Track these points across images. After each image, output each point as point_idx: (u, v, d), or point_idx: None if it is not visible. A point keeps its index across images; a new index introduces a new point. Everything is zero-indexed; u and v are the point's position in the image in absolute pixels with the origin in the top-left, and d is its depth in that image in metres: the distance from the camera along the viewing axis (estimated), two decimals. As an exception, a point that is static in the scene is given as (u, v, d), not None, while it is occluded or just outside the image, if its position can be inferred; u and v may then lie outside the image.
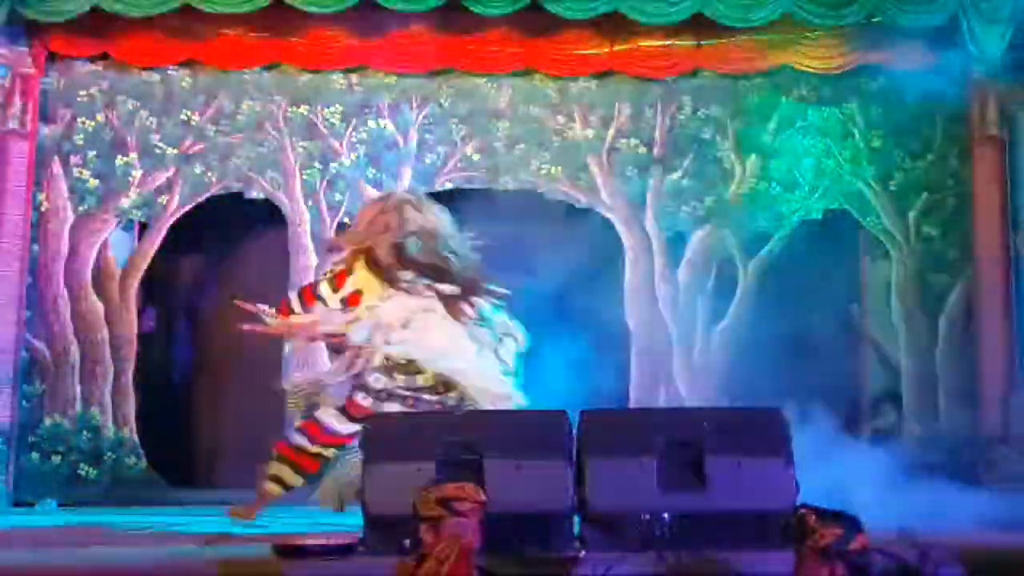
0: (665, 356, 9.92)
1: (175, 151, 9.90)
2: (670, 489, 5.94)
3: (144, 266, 9.86)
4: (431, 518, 4.22)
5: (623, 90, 10.12)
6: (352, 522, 6.40)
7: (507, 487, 5.69)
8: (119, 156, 9.85)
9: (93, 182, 9.83)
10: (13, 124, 9.45)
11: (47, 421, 9.53)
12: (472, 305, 6.89)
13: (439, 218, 7.07)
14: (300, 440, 6.87)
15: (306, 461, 6.88)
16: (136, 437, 9.66)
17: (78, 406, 9.57)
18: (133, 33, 9.42)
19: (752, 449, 6.01)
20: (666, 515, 5.91)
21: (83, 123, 9.87)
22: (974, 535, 6.19)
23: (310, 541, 5.88)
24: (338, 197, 10.01)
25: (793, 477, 5.99)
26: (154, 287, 9.89)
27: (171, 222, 9.89)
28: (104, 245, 9.82)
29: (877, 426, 9.72)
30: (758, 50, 9.85)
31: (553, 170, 10.10)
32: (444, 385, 6.81)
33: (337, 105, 10.03)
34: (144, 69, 9.89)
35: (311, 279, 9.85)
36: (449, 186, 10.00)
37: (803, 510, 3.87)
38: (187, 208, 9.91)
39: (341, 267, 7.03)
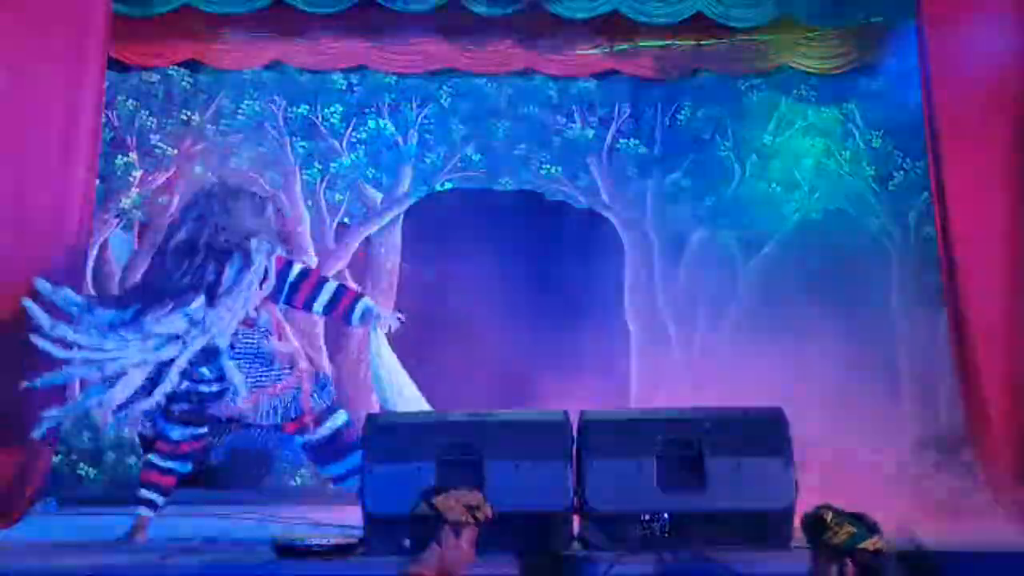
0: (665, 356, 9.91)
1: (175, 151, 9.90)
2: (670, 489, 5.95)
3: (144, 266, 9.83)
4: (458, 523, 4.26)
5: (623, 90, 10.11)
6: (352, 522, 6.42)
7: (507, 487, 5.70)
8: (119, 156, 9.84)
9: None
10: (14, 124, 9.41)
11: (47, 421, 9.50)
12: None
13: None
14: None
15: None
16: (136, 437, 9.65)
17: (78, 406, 9.55)
18: (133, 33, 9.39)
19: (752, 449, 6.02)
20: (666, 515, 5.92)
21: (83, 123, 9.86)
22: (974, 534, 6.20)
23: (310, 541, 5.89)
24: (338, 197, 10.01)
25: (792, 477, 6.00)
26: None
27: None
28: (104, 245, 9.81)
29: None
30: (758, 50, 9.81)
31: (553, 170, 10.10)
32: None
33: (337, 105, 10.03)
34: (144, 69, 9.87)
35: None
36: (449, 186, 10.00)
37: (822, 509, 3.89)
38: (187, 208, 9.91)
39: None
